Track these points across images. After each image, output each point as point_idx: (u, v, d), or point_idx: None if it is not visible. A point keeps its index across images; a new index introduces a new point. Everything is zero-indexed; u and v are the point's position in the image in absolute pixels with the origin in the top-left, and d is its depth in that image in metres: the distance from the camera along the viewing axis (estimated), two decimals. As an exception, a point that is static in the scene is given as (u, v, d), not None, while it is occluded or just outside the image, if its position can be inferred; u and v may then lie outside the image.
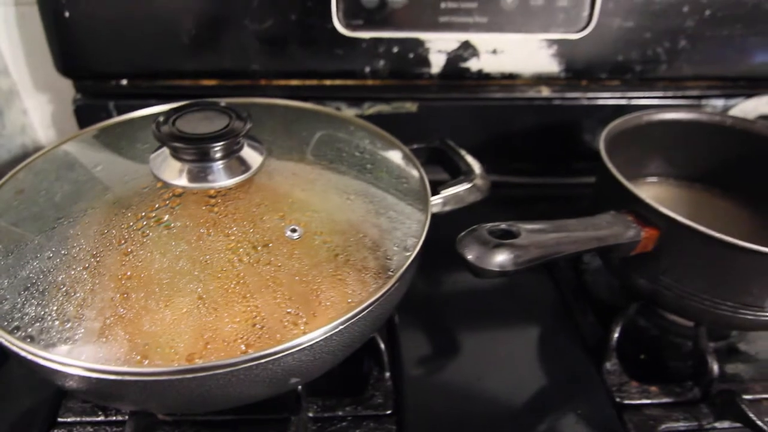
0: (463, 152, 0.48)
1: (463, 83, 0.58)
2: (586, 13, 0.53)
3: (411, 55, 0.55)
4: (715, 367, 0.41)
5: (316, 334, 0.30)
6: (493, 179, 0.48)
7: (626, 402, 0.41)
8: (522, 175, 0.64)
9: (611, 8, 0.53)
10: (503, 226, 0.34)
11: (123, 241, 0.32)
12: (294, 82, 0.57)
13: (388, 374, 0.41)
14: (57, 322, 0.29)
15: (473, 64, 0.56)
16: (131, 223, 0.33)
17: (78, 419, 0.38)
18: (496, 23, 0.53)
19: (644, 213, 0.40)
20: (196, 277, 0.31)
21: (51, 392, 0.39)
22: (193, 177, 0.36)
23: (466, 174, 0.45)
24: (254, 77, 0.56)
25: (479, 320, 0.47)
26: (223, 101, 0.39)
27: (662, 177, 0.57)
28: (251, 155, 0.38)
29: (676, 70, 0.58)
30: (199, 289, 0.31)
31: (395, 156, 0.45)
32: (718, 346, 0.47)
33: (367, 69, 0.55)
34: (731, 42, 0.56)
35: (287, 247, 0.33)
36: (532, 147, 0.63)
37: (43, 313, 0.30)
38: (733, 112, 0.62)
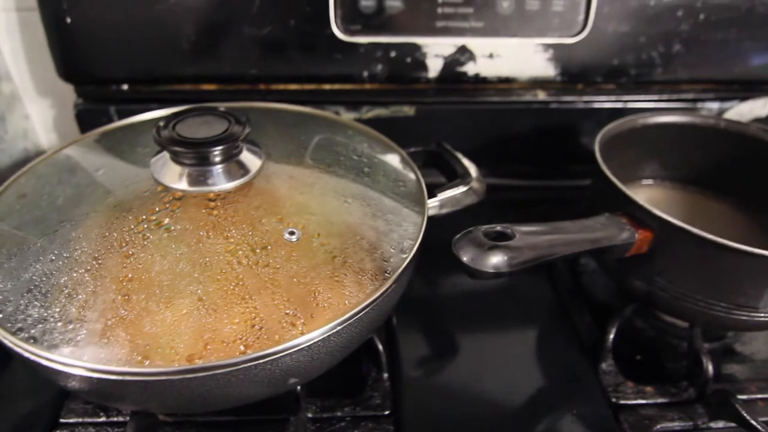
0: (459, 155, 0.48)
1: (460, 87, 0.58)
2: (581, 18, 0.54)
3: (408, 60, 0.55)
4: (710, 368, 0.41)
5: (314, 335, 0.30)
6: (491, 182, 0.49)
7: (622, 402, 0.41)
8: (519, 178, 0.64)
9: (606, 13, 0.54)
10: (498, 228, 0.34)
11: (124, 244, 0.33)
12: (293, 87, 0.57)
13: (386, 375, 0.41)
14: (59, 324, 0.29)
15: (470, 68, 0.57)
16: (132, 226, 0.34)
17: (80, 420, 0.38)
18: (492, 28, 0.54)
19: (638, 215, 0.40)
20: (196, 279, 0.31)
21: (53, 393, 0.39)
22: (193, 181, 0.36)
23: (463, 177, 0.45)
24: (253, 82, 0.56)
25: (477, 321, 0.48)
26: (222, 106, 0.40)
27: (657, 179, 0.58)
28: (250, 159, 0.39)
29: (671, 73, 0.58)
30: (199, 291, 0.31)
31: (393, 159, 0.45)
32: (713, 346, 0.47)
33: (365, 73, 0.56)
34: (726, 45, 0.57)
35: (285, 249, 0.34)
36: (529, 150, 0.63)
37: (45, 314, 0.30)
38: (728, 115, 0.62)
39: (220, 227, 0.34)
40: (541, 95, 0.59)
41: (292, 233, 0.35)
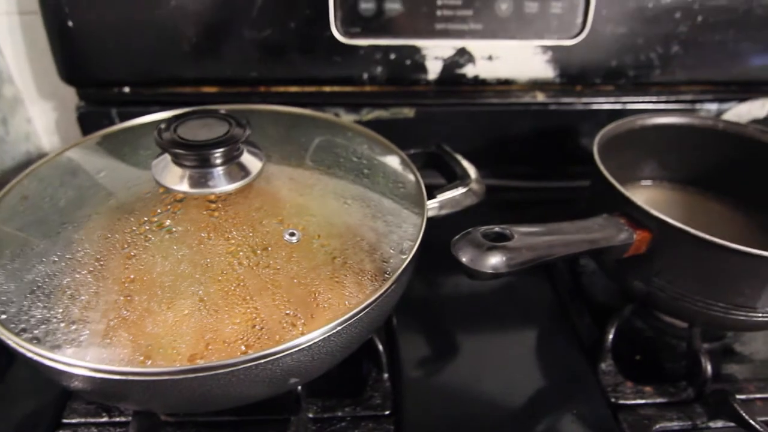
0: (459, 157, 0.48)
1: (460, 89, 0.59)
2: (579, 20, 0.54)
3: (408, 62, 0.56)
4: (709, 368, 0.42)
5: (315, 335, 0.30)
6: (490, 183, 0.49)
7: (621, 402, 0.41)
8: (518, 179, 0.64)
9: (604, 15, 0.54)
10: (496, 229, 0.35)
11: (126, 246, 0.33)
12: (293, 89, 0.57)
13: (386, 375, 0.42)
14: (62, 324, 0.30)
15: (469, 71, 0.57)
16: (134, 228, 0.34)
17: (82, 420, 0.38)
18: (491, 30, 0.54)
19: (636, 215, 0.40)
20: (198, 280, 0.32)
21: (56, 394, 0.40)
22: (194, 182, 0.36)
23: (462, 178, 0.45)
24: (254, 84, 0.56)
25: (477, 322, 0.48)
26: (223, 108, 0.40)
27: (656, 180, 0.58)
28: (251, 161, 0.39)
29: (670, 75, 0.58)
30: (201, 292, 0.31)
31: (392, 161, 0.45)
32: (713, 347, 0.47)
33: (365, 75, 0.56)
34: (724, 47, 0.57)
35: (286, 250, 0.34)
36: (529, 151, 0.63)
37: (48, 315, 0.30)
38: (726, 116, 0.62)
39: (221, 228, 0.34)
40: (540, 97, 0.60)
41: (292, 234, 0.35)
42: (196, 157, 0.36)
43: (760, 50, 0.58)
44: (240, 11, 0.52)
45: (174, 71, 0.55)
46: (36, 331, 0.30)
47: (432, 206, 0.42)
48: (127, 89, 0.57)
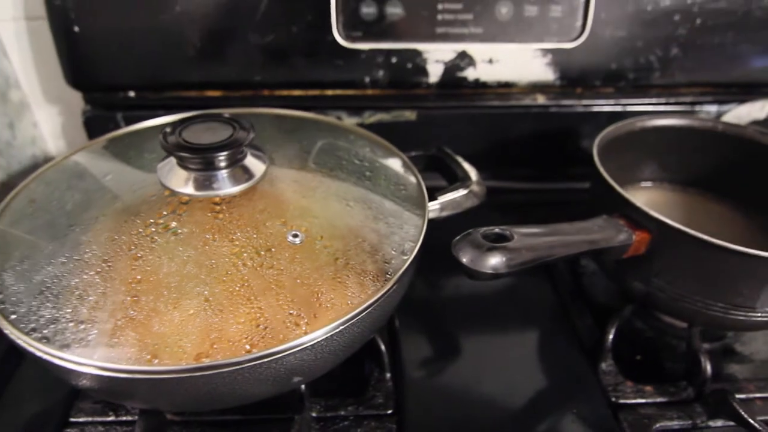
0: (460, 159, 0.49)
1: (461, 92, 0.59)
2: (579, 23, 0.55)
3: (409, 65, 0.56)
4: (708, 367, 0.42)
5: (318, 335, 0.31)
6: (492, 185, 0.49)
7: (621, 401, 0.42)
8: (519, 180, 0.65)
9: (604, 18, 0.54)
10: (496, 230, 0.35)
11: (133, 247, 0.34)
12: (296, 93, 0.58)
13: (388, 375, 0.42)
14: (71, 324, 0.30)
15: (470, 74, 0.57)
16: (140, 230, 0.35)
17: (89, 419, 0.39)
18: (491, 34, 0.55)
19: (635, 216, 0.41)
20: (203, 280, 0.32)
21: (63, 393, 0.40)
22: (199, 185, 0.37)
23: (463, 180, 0.46)
24: (257, 88, 0.57)
25: (478, 322, 0.48)
26: (227, 112, 0.40)
27: (656, 182, 0.58)
28: (254, 164, 0.39)
29: (669, 77, 0.59)
30: (206, 292, 0.32)
31: (394, 163, 0.46)
32: (713, 346, 0.47)
33: (367, 79, 0.57)
34: (723, 49, 0.57)
35: (289, 251, 0.35)
36: (530, 153, 0.64)
37: (57, 315, 0.31)
38: (726, 117, 0.62)
39: (225, 230, 0.35)
40: (541, 99, 0.60)
41: (295, 236, 0.36)
42: (200, 161, 0.37)
43: (759, 52, 0.58)
44: (243, 16, 0.52)
45: (179, 75, 0.55)
46: (45, 331, 0.30)
47: (433, 208, 0.43)
48: (132, 93, 0.57)
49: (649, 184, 0.58)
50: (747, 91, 0.62)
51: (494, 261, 0.33)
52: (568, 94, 0.60)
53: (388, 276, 0.35)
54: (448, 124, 0.60)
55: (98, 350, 0.29)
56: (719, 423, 0.41)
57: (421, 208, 0.41)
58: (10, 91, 0.58)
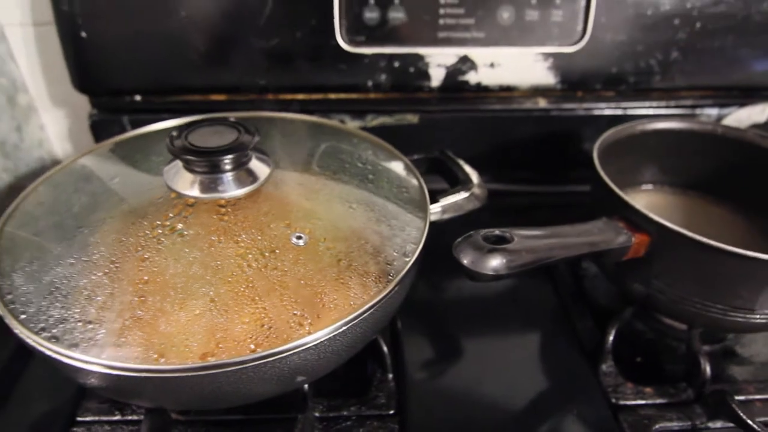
0: (461, 162, 0.49)
1: (463, 95, 0.59)
2: (579, 28, 0.55)
3: (412, 69, 0.56)
4: (708, 369, 0.42)
5: (321, 335, 0.31)
6: (493, 188, 0.50)
7: (622, 403, 0.42)
8: (520, 183, 0.65)
9: (604, 22, 0.55)
10: (497, 232, 0.35)
11: (140, 248, 0.34)
12: (300, 96, 0.58)
13: (391, 376, 0.42)
14: (80, 324, 0.31)
15: (472, 77, 0.58)
16: (147, 232, 0.35)
17: (96, 418, 0.39)
18: (493, 38, 0.55)
19: (635, 219, 0.41)
20: (208, 281, 0.33)
21: (71, 393, 0.41)
22: (205, 188, 0.38)
23: (464, 183, 0.46)
24: (262, 92, 0.57)
25: (479, 324, 0.49)
26: (232, 116, 0.41)
27: (657, 185, 0.58)
28: (259, 167, 0.40)
29: (670, 80, 0.59)
30: (211, 293, 0.32)
31: (396, 166, 0.46)
32: (713, 349, 0.48)
33: (370, 83, 0.57)
34: (723, 53, 0.58)
35: (293, 253, 0.35)
36: (531, 156, 0.64)
37: (66, 315, 0.31)
38: (726, 121, 0.63)
39: (230, 232, 0.35)
40: (542, 103, 0.60)
41: (299, 238, 0.36)
42: (206, 164, 0.37)
43: (759, 56, 0.59)
44: (248, 21, 0.53)
45: (184, 80, 0.56)
46: (54, 330, 0.31)
47: (435, 210, 0.43)
48: (138, 97, 0.58)
49: (649, 187, 0.58)
50: (747, 95, 0.62)
51: (495, 263, 0.34)
52: (569, 97, 0.60)
53: (390, 277, 0.35)
54: (450, 128, 0.61)
55: (106, 349, 0.30)
56: (719, 424, 0.41)
57: (423, 210, 0.41)
58: (17, 94, 0.58)
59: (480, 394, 0.42)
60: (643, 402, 0.42)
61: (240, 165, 0.39)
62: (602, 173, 0.45)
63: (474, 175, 0.47)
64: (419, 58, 0.56)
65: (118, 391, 0.34)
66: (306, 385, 0.39)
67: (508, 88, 0.59)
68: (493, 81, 0.58)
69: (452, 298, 0.52)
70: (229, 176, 0.38)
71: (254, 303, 0.32)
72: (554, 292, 0.52)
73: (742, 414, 0.39)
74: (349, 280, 0.35)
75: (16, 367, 0.43)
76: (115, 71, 0.55)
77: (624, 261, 0.41)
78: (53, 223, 0.38)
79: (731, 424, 0.40)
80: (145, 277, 0.33)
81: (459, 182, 0.47)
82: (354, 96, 0.58)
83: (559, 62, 0.57)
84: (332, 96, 0.59)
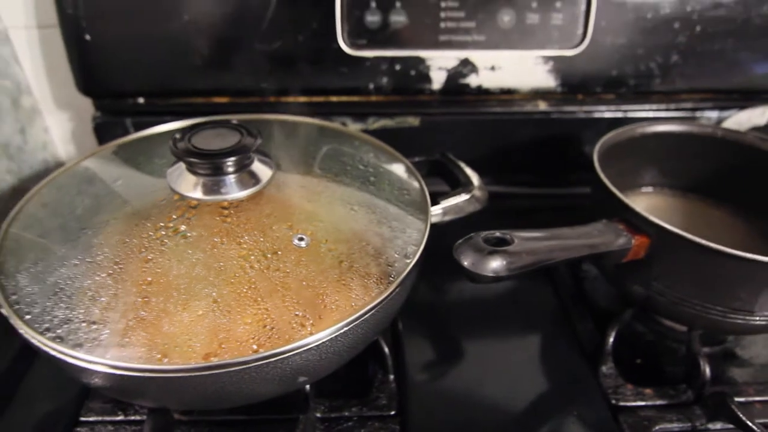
0: (462, 165, 0.49)
1: (464, 98, 0.60)
2: (580, 31, 0.55)
3: (413, 72, 0.57)
4: (707, 370, 0.42)
5: (322, 335, 0.32)
6: (494, 190, 0.50)
7: (621, 404, 0.42)
8: (521, 186, 0.65)
9: (604, 26, 0.55)
10: (497, 234, 0.36)
11: (143, 250, 0.35)
12: (302, 99, 0.58)
13: (392, 377, 0.43)
14: (84, 324, 0.31)
15: (472, 80, 0.58)
16: (150, 233, 0.35)
17: (99, 418, 0.40)
18: (493, 41, 0.55)
19: (634, 221, 0.41)
20: (211, 282, 0.33)
21: (74, 393, 0.41)
22: (208, 190, 0.38)
23: (465, 185, 0.46)
24: (264, 95, 0.58)
25: (480, 326, 0.49)
26: (234, 119, 0.41)
27: (657, 187, 0.59)
28: (261, 169, 0.40)
29: (670, 83, 0.59)
30: (214, 294, 0.33)
31: (397, 169, 0.47)
32: (713, 350, 0.48)
33: (371, 86, 0.57)
34: (723, 56, 0.58)
35: (295, 254, 0.35)
36: (531, 159, 0.64)
37: (70, 315, 0.32)
38: (726, 123, 0.63)
39: (233, 234, 0.36)
40: (542, 106, 0.61)
41: (301, 239, 0.36)
42: (209, 166, 0.38)
43: (759, 59, 0.59)
44: (250, 25, 0.53)
45: (187, 83, 0.56)
46: (59, 331, 0.31)
47: (436, 212, 0.43)
48: (141, 100, 0.58)
49: (649, 189, 0.59)
50: (747, 98, 0.62)
51: (495, 264, 0.34)
52: (570, 100, 0.61)
53: (391, 279, 0.36)
54: (450, 130, 0.61)
55: (110, 349, 0.30)
56: (718, 425, 0.41)
57: (424, 212, 0.42)
58: (21, 97, 0.59)
59: (480, 395, 0.43)
60: (643, 403, 0.42)
61: (242, 167, 0.39)
62: (602, 176, 0.45)
63: (475, 178, 0.48)
64: (420, 61, 0.56)
65: (121, 391, 0.34)
66: (308, 386, 0.39)
67: (509, 91, 0.59)
68: (493, 84, 0.58)
69: (453, 299, 0.52)
70: (231, 178, 0.38)
71: (257, 304, 0.33)
72: (555, 294, 0.53)
73: (741, 415, 0.39)
74: (350, 281, 0.35)
75: (20, 367, 0.43)
76: (119, 74, 0.56)
77: (624, 263, 0.42)
78: (57, 224, 0.38)
79: (731, 426, 0.40)
80: (149, 278, 0.33)
81: (460, 184, 0.47)
82: (355, 99, 0.59)
83: (559, 65, 0.57)
84: (334, 99, 0.59)
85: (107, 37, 0.53)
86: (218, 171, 0.38)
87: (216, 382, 0.30)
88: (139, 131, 0.50)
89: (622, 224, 0.41)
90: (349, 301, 0.34)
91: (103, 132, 0.59)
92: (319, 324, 0.32)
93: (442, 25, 0.54)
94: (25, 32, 0.58)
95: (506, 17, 0.55)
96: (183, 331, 0.31)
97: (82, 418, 0.40)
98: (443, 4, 0.53)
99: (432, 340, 0.48)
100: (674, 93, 0.61)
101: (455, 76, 0.57)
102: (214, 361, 0.30)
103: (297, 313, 0.33)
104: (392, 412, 0.40)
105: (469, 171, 0.48)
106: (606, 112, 0.61)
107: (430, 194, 0.44)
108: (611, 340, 0.45)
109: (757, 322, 0.41)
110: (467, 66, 0.57)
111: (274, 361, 0.31)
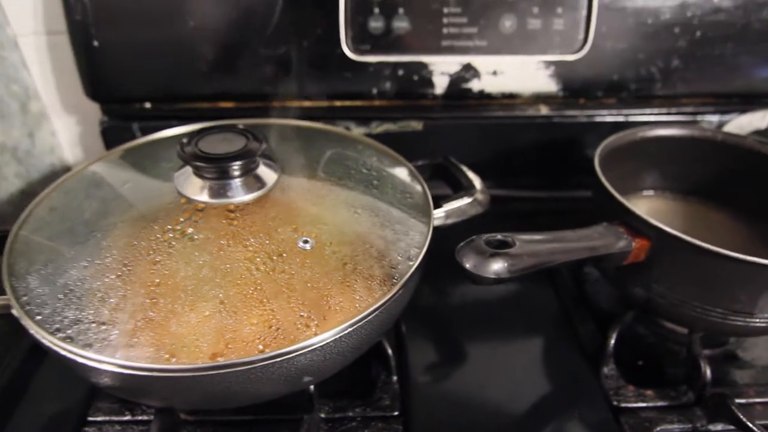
0: (464, 168, 0.50)
1: (466, 103, 0.60)
2: (581, 36, 0.56)
3: (416, 77, 0.57)
4: (708, 372, 0.42)
5: (327, 336, 0.32)
6: (496, 194, 0.50)
7: (623, 405, 0.42)
8: (523, 189, 0.66)
9: (605, 31, 0.55)
10: (499, 236, 0.36)
11: (151, 252, 0.35)
12: (306, 104, 0.59)
13: (395, 378, 0.43)
14: (93, 325, 0.32)
15: (475, 85, 0.58)
16: (158, 236, 0.36)
17: (107, 418, 0.40)
18: (495, 46, 0.56)
19: (635, 224, 0.41)
20: (218, 284, 0.34)
21: (82, 393, 0.41)
22: (214, 193, 0.38)
23: (467, 189, 0.47)
24: (269, 99, 0.58)
25: (482, 328, 0.49)
26: (241, 123, 0.42)
27: (658, 190, 0.59)
28: (267, 173, 0.41)
29: (671, 88, 0.59)
30: (221, 295, 0.33)
31: (400, 172, 0.47)
32: (714, 352, 0.48)
33: (375, 90, 0.58)
34: (723, 60, 0.58)
35: (300, 256, 0.36)
36: (533, 163, 0.65)
37: (80, 316, 0.32)
38: (727, 127, 0.63)
39: (239, 236, 0.36)
40: (544, 110, 0.61)
41: (306, 242, 0.37)
42: (216, 170, 0.38)
43: (759, 63, 0.59)
44: (255, 31, 0.54)
45: (193, 88, 0.57)
46: (69, 331, 0.31)
47: (438, 215, 0.44)
48: (148, 105, 0.59)
49: (650, 192, 0.59)
50: (748, 101, 0.62)
51: (497, 266, 0.34)
52: (571, 104, 0.61)
53: (394, 281, 0.36)
54: (453, 134, 0.61)
55: (119, 349, 0.31)
56: (719, 427, 0.41)
57: (427, 215, 0.42)
58: (29, 101, 0.60)
59: (483, 396, 0.43)
60: (644, 405, 0.43)
61: (248, 171, 0.39)
62: (603, 179, 0.45)
63: (477, 181, 0.48)
64: (423, 66, 0.57)
65: (130, 391, 0.34)
66: (312, 387, 0.40)
67: (511, 96, 0.60)
68: (495, 88, 0.59)
69: (455, 301, 0.52)
70: (237, 182, 0.39)
71: (262, 305, 0.33)
72: (556, 297, 0.53)
73: (742, 417, 0.39)
74: (354, 283, 0.35)
75: (30, 367, 0.44)
76: (126, 79, 0.56)
77: (625, 265, 0.42)
78: (66, 227, 0.39)
79: (731, 427, 0.41)
80: (157, 280, 0.34)
81: (462, 188, 0.48)
82: (359, 103, 0.59)
83: (561, 70, 0.58)
84: (338, 103, 0.59)
85: (115, 43, 0.54)
86: (224, 175, 0.38)
87: (222, 381, 0.31)
88: (146, 135, 0.51)
89: (622, 227, 0.42)
90: (353, 303, 0.34)
91: (111, 136, 0.59)
92: (324, 325, 0.33)
93: (445, 30, 0.55)
94: (33, 38, 0.58)
95: (508, 23, 0.55)
96: (190, 331, 0.31)
97: (90, 418, 0.40)
98: (446, 10, 0.54)
99: (435, 341, 0.48)
100: (675, 97, 0.61)
101: (458, 80, 0.58)
102: (221, 360, 0.30)
103: (302, 314, 0.33)
104: (395, 413, 0.41)
105: (471, 174, 0.49)
106: (607, 116, 0.61)
107: (433, 197, 0.44)
108: (613, 341, 0.45)
109: (757, 324, 0.41)
110: (469, 71, 0.57)
111: (280, 361, 0.31)
